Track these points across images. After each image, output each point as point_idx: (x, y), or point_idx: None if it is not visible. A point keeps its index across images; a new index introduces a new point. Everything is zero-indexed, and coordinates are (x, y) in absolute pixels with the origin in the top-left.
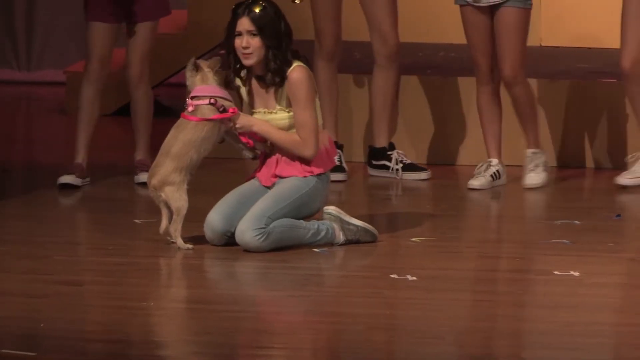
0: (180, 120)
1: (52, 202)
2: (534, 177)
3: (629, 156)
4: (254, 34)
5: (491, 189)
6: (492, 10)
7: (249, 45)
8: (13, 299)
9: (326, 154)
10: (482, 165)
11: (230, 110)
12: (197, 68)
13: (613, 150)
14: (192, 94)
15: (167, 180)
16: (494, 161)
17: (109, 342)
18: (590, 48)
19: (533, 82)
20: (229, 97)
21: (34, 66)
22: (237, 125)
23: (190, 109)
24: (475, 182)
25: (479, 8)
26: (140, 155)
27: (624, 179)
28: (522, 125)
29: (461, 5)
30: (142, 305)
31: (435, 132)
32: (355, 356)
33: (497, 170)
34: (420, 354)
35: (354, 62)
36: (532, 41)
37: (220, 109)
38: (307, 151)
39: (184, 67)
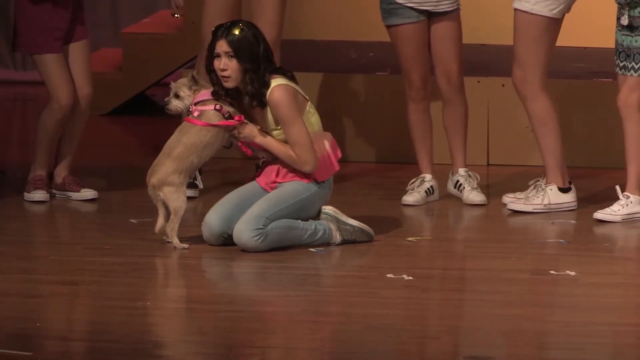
0: (185, 124)
1: (48, 203)
2: (478, 194)
3: (532, 181)
4: (231, 56)
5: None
6: (428, 23)
7: (227, 67)
8: (9, 299)
9: (329, 159)
10: (415, 181)
11: (236, 117)
12: (196, 82)
13: (608, 150)
14: (196, 99)
15: (167, 181)
16: (428, 177)
17: (106, 342)
18: (585, 48)
19: None
20: (233, 103)
21: (30, 65)
22: (241, 135)
23: (195, 114)
24: (409, 198)
25: (415, 23)
26: (65, 172)
27: (509, 199)
28: (452, 142)
29: (394, 25)
30: (139, 305)
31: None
32: (351, 355)
33: (431, 186)
34: (416, 353)
35: (350, 61)
36: None
37: (226, 115)
38: (306, 167)
39: (180, 67)
